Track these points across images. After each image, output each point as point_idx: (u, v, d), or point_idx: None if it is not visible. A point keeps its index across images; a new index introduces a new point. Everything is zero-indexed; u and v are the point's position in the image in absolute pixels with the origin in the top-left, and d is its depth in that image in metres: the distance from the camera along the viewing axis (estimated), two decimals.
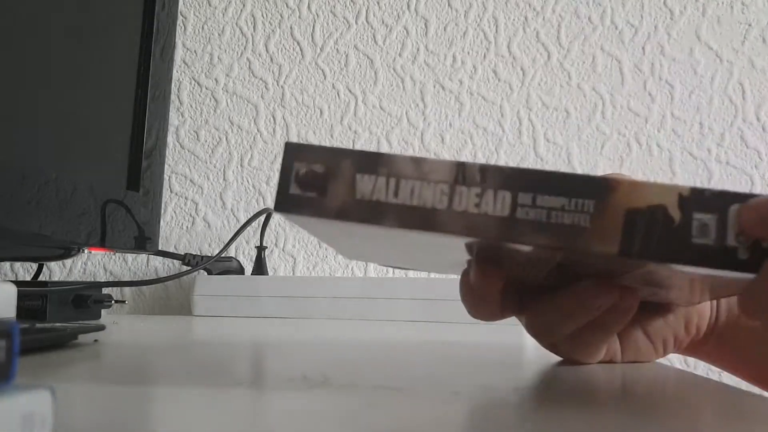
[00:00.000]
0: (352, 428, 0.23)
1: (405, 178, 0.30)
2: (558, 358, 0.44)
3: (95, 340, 0.53)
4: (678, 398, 0.32)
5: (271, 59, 1.09)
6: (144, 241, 0.79)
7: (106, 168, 0.75)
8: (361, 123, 1.07)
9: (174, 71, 1.02)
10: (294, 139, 1.08)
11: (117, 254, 1.06)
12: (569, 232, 0.28)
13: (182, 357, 0.43)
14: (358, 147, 1.06)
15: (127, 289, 1.05)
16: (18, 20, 0.59)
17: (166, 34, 0.83)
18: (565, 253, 0.30)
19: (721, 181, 1.02)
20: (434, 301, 0.87)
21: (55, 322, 0.69)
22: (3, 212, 0.57)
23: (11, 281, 0.47)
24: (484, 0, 1.07)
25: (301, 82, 1.08)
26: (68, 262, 1.07)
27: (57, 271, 1.08)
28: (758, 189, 1.01)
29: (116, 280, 1.06)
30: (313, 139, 1.07)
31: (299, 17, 1.09)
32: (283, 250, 1.06)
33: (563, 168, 1.03)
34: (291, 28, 1.09)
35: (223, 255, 1.00)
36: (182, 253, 0.97)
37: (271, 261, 1.06)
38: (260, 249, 1.01)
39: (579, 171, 1.04)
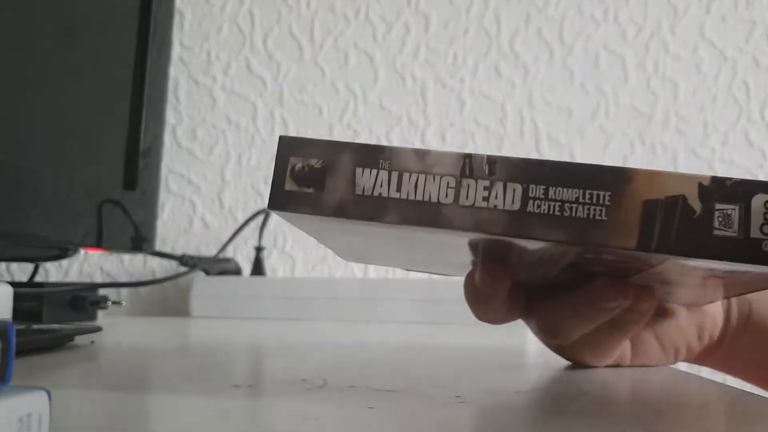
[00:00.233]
0: None
1: (408, 172, 0.28)
2: (564, 361, 0.43)
3: (92, 342, 0.53)
4: (688, 403, 0.31)
5: (270, 57, 1.08)
6: (141, 241, 0.79)
7: (103, 167, 0.74)
8: (361, 121, 1.06)
9: (171, 69, 1.01)
10: None
11: (114, 255, 1.06)
12: (584, 226, 0.27)
13: (179, 359, 0.43)
14: None
15: (124, 290, 1.04)
16: (13, 19, 0.58)
17: (163, 32, 0.82)
18: (579, 250, 0.28)
19: None
20: (435, 302, 0.86)
21: (52, 323, 0.68)
22: None
23: (7, 282, 0.46)
24: None
25: (299, 80, 1.08)
26: (65, 262, 1.06)
27: (53, 271, 1.07)
28: None
29: (113, 281, 1.05)
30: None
31: (298, 14, 1.08)
32: (282, 250, 1.05)
33: None
34: (290, 25, 1.08)
35: (221, 255, 1.00)
36: (179, 254, 0.97)
37: (270, 262, 1.05)
38: (259, 249, 1.00)
39: None
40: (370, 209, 0.28)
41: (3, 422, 0.18)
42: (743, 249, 0.26)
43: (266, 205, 1.05)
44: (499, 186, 0.28)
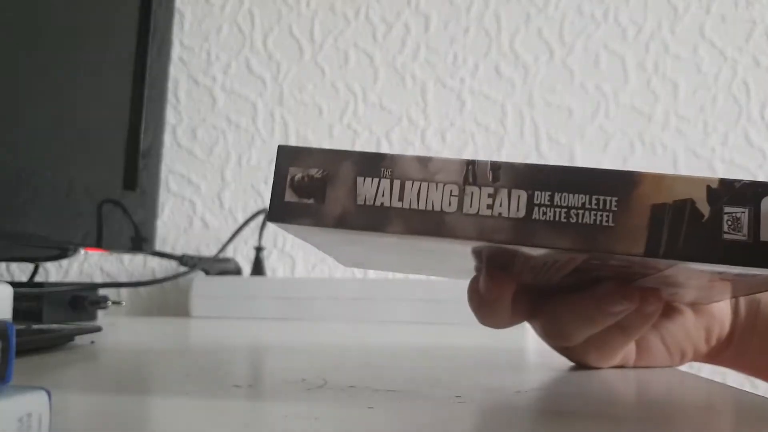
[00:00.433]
0: None
1: (410, 180, 0.28)
2: (566, 362, 0.43)
3: (92, 342, 0.53)
4: (689, 403, 0.31)
5: (270, 57, 1.08)
6: (141, 241, 0.79)
7: (103, 167, 0.74)
8: (361, 122, 1.06)
9: (171, 69, 1.01)
10: (293, 138, 1.07)
11: (114, 255, 1.05)
12: (591, 232, 0.27)
13: (179, 359, 0.43)
14: (358, 146, 1.06)
15: (124, 290, 1.04)
16: (13, 19, 0.58)
17: (163, 32, 0.82)
18: (586, 256, 0.28)
19: None
20: (435, 302, 0.86)
21: (52, 323, 0.68)
22: None
23: (7, 282, 0.46)
24: None
25: (299, 80, 1.08)
26: (65, 262, 1.06)
27: (53, 271, 1.07)
28: None
29: (113, 281, 1.05)
30: (312, 138, 1.06)
31: (298, 14, 1.08)
32: (282, 250, 1.05)
33: None
34: (290, 25, 1.08)
35: (221, 256, 0.99)
36: (179, 254, 0.97)
37: (270, 262, 1.05)
38: (259, 249, 1.00)
39: None
40: (372, 219, 0.28)
41: (3, 422, 0.18)
42: (753, 252, 0.26)
43: (265, 205, 1.04)
44: (504, 193, 0.27)
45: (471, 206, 0.27)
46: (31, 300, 0.69)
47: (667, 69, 1.03)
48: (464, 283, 0.40)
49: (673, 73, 1.03)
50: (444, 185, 0.28)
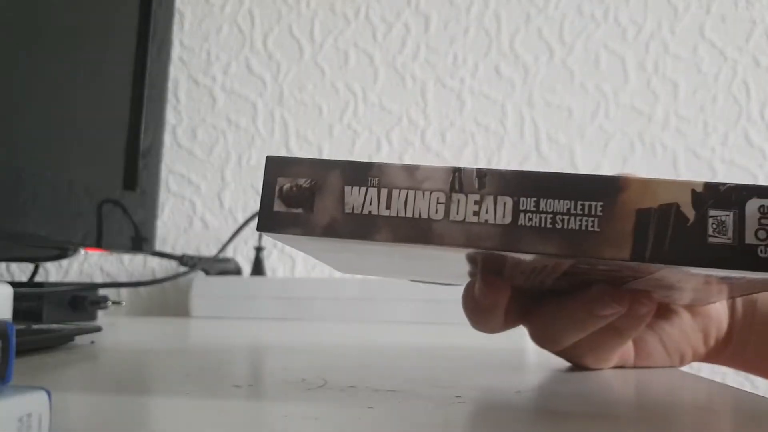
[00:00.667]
0: None
1: (397, 188, 0.28)
2: (565, 363, 0.43)
3: (92, 342, 0.53)
4: (689, 403, 0.31)
5: (270, 57, 1.08)
6: (141, 241, 0.79)
7: (102, 167, 0.74)
8: (361, 122, 1.06)
9: (171, 69, 1.01)
10: (293, 138, 1.07)
11: (114, 255, 1.06)
12: (577, 237, 0.27)
13: (179, 359, 0.43)
14: (358, 146, 1.06)
15: (124, 290, 1.04)
16: (13, 19, 0.58)
17: (163, 32, 0.82)
18: (573, 261, 0.28)
19: (726, 180, 1.01)
20: (435, 302, 0.86)
21: (52, 323, 0.68)
22: None
23: (7, 282, 0.46)
24: None
25: (299, 80, 1.08)
26: (65, 262, 1.06)
27: (53, 271, 1.07)
28: None
29: (113, 281, 1.05)
30: (312, 138, 1.06)
31: (298, 14, 1.08)
32: (282, 250, 1.05)
33: (566, 168, 1.02)
34: (290, 25, 1.08)
35: (221, 255, 0.99)
36: (179, 254, 0.97)
37: (270, 262, 1.05)
38: (258, 249, 1.00)
39: (582, 171, 1.03)
40: (360, 228, 0.28)
41: (3, 422, 0.18)
42: (738, 255, 0.26)
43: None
44: (490, 200, 0.27)
45: (458, 213, 0.28)
46: (31, 300, 0.69)
47: (667, 69, 1.03)
48: (464, 284, 0.40)
49: (673, 73, 1.03)
50: (431, 193, 0.28)
